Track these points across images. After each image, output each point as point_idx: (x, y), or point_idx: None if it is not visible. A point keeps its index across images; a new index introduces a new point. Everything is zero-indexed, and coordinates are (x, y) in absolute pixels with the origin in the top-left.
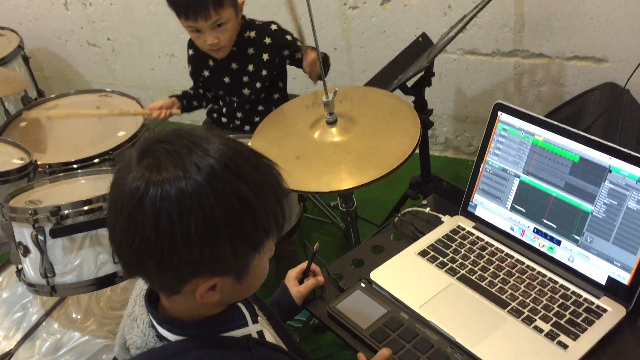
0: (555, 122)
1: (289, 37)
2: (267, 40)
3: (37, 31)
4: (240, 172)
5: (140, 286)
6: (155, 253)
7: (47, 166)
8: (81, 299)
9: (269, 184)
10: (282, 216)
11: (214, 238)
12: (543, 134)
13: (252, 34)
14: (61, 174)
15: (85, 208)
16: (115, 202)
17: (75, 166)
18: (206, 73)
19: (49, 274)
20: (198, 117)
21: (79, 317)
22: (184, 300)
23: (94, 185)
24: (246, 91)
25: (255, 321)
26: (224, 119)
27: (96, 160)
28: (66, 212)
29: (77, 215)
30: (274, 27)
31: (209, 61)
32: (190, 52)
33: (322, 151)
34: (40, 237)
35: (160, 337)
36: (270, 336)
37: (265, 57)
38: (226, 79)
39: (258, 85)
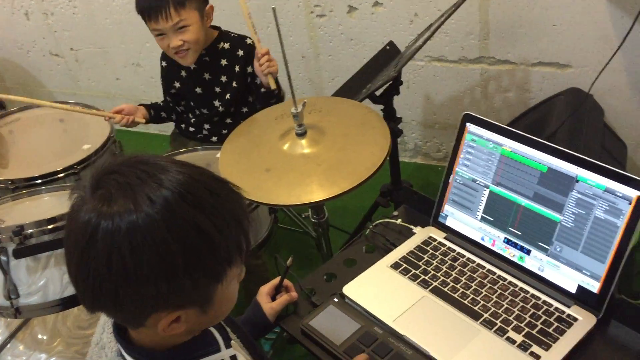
0: (523, 133)
1: None
2: (240, 53)
3: None
4: (198, 202)
5: None
6: (110, 290)
7: (9, 182)
8: (47, 319)
9: (230, 212)
10: (246, 242)
11: (170, 273)
12: (511, 145)
13: (227, 45)
14: (24, 191)
15: (50, 227)
16: (69, 237)
17: (38, 181)
18: (177, 84)
19: (13, 296)
20: (166, 127)
21: (45, 337)
22: (150, 332)
23: (59, 202)
24: (217, 103)
25: (228, 345)
26: (191, 129)
27: (60, 175)
28: (30, 231)
29: (41, 234)
30: (249, 41)
31: (182, 72)
32: (163, 64)
33: (292, 163)
34: (3, 258)
35: None
36: None
37: (237, 68)
38: (198, 90)
39: (228, 96)
